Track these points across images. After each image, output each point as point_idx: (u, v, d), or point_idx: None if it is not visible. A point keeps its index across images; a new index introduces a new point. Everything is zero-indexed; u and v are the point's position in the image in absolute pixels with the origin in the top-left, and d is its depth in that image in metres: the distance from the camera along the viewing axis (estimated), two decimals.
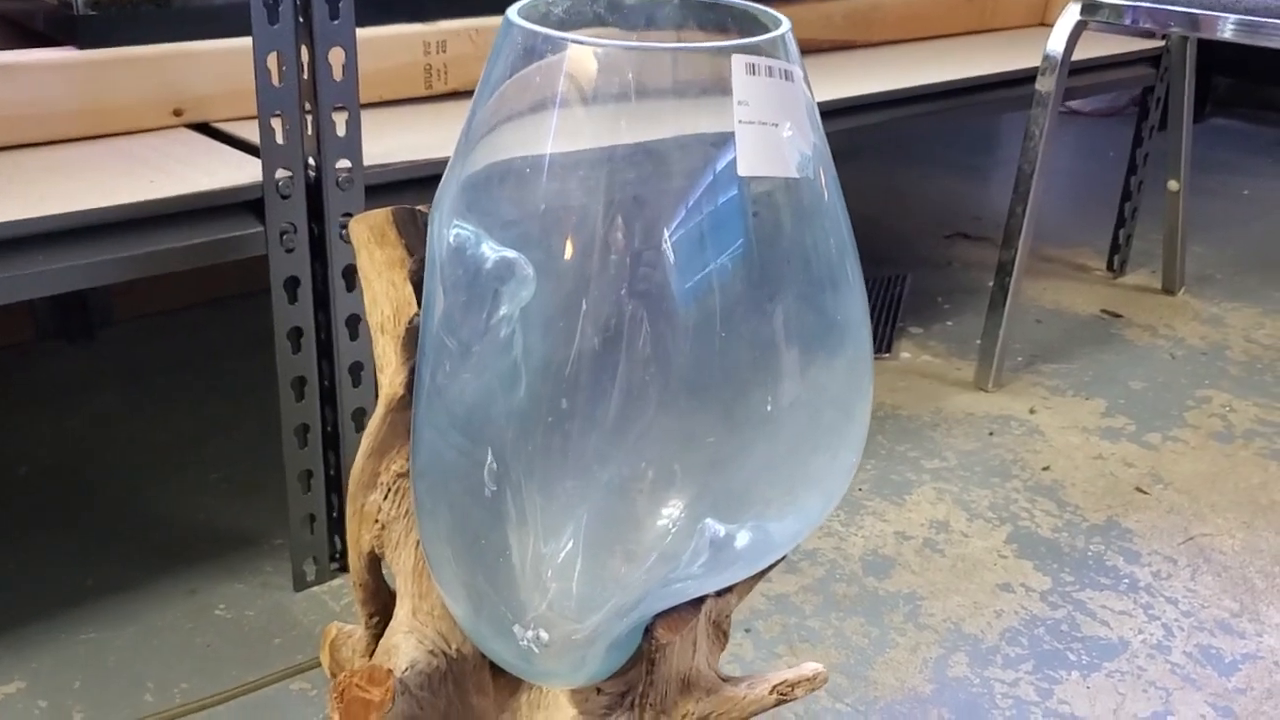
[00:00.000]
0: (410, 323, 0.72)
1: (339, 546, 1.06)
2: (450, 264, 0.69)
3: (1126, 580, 1.11)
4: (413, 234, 0.77)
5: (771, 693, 0.67)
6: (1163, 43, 1.73)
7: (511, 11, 0.62)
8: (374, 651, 0.83)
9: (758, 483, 0.67)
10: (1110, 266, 1.89)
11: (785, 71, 0.60)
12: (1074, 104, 2.87)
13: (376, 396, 0.75)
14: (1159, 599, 1.08)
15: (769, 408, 0.65)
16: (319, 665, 0.96)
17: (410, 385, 0.73)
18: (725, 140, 0.61)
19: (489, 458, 0.68)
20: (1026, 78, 1.54)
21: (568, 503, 0.67)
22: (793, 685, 0.67)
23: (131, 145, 0.99)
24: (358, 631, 0.87)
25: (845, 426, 0.68)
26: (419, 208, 0.77)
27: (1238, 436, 1.39)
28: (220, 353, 1.47)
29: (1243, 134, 2.86)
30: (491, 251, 0.67)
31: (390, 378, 0.74)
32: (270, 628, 1.00)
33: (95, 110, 1.00)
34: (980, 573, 1.11)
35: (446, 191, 0.69)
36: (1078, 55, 1.42)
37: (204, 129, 1.05)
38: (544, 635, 0.71)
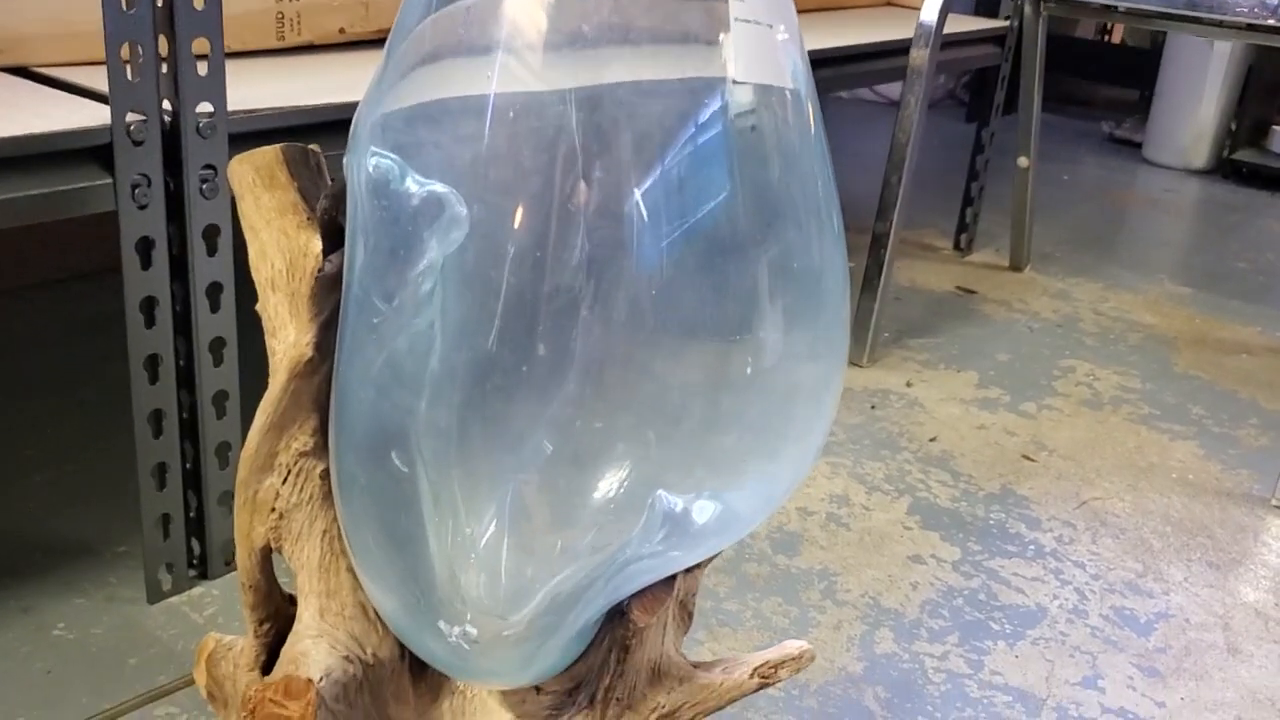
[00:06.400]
0: (319, 273, 0.62)
1: (198, 550, 0.93)
2: (370, 201, 0.59)
3: (1032, 547, 1.09)
4: (305, 176, 0.66)
5: (752, 676, 0.60)
6: (1007, 21, 1.75)
7: None
8: (263, 664, 0.72)
9: (720, 454, 0.60)
10: (958, 245, 1.90)
11: None
12: (893, 94, 2.91)
13: (265, 367, 0.64)
14: (1066, 563, 1.06)
15: (749, 370, 0.58)
16: (187, 686, 0.83)
17: (320, 345, 0.62)
18: (703, 85, 0.53)
19: (409, 428, 0.59)
20: (880, 53, 1.54)
21: (491, 479, 0.58)
22: (775, 666, 0.60)
23: None
24: (239, 643, 0.75)
25: (823, 393, 0.62)
26: (311, 147, 0.67)
27: (1106, 403, 1.40)
28: (16, 345, 1.30)
29: (1052, 125, 2.96)
30: (417, 186, 0.58)
31: (295, 338, 0.63)
32: (122, 647, 0.86)
33: None
34: (889, 545, 1.07)
35: (363, 123, 0.59)
36: None
37: (23, 73, 0.91)
38: (471, 631, 0.62)
